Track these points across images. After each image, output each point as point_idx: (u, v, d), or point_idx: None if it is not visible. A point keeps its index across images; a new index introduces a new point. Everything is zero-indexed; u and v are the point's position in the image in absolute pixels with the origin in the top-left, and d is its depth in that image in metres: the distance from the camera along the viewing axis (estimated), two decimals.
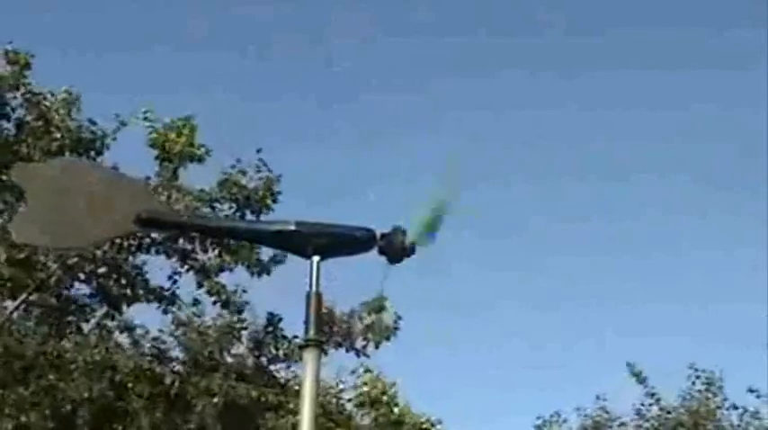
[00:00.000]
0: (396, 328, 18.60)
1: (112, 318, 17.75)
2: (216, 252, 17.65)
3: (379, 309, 17.85)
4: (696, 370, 22.90)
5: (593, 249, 33.04)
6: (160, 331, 18.14)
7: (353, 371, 20.19)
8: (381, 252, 4.96)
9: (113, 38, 28.97)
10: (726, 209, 31.73)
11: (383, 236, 4.96)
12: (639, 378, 22.89)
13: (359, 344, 18.74)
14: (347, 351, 18.43)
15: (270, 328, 18.55)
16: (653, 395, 23.05)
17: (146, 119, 17.54)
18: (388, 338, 18.67)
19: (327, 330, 18.45)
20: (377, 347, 18.70)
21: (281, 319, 18.57)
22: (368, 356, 18.97)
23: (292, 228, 4.93)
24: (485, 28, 34.36)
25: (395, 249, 4.95)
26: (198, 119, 17.60)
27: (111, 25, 28.82)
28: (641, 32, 32.81)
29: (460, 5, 33.48)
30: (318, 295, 4.87)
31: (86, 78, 25.99)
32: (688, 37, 34.11)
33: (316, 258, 4.92)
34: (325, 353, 4.68)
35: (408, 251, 4.95)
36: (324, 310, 4.88)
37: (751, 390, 22.48)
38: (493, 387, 32.28)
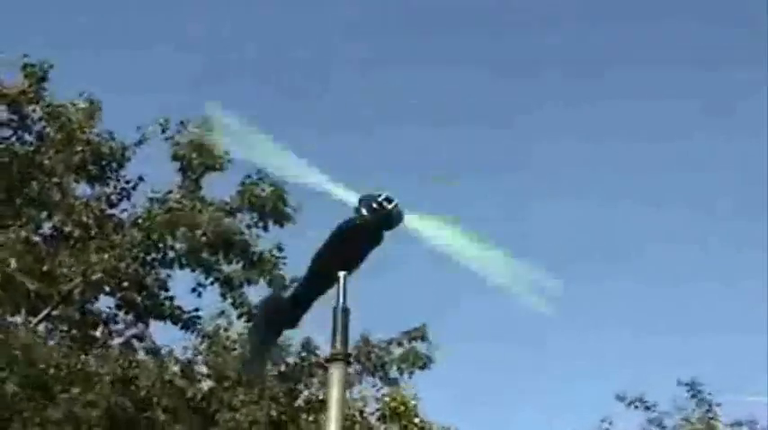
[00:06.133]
0: (429, 359, 18.33)
1: (140, 340, 17.61)
2: (240, 264, 17.60)
3: (421, 337, 17.78)
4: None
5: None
6: (184, 348, 17.94)
7: (374, 385, 20.00)
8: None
9: (113, 38, 28.91)
10: (726, 239, 31.26)
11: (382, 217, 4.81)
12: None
13: (393, 373, 18.72)
14: (380, 379, 18.58)
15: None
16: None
17: (172, 139, 17.45)
18: (422, 368, 18.52)
19: (364, 359, 18.39)
20: (410, 377, 18.62)
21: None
22: (398, 385, 18.84)
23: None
24: (486, 28, 34.15)
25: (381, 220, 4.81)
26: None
27: (111, 25, 28.74)
28: (639, 70, 32.33)
29: (461, 5, 33.12)
30: (346, 310, 4.90)
31: (86, 78, 25.78)
32: (686, 72, 33.62)
33: (342, 273, 4.90)
34: (350, 364, 4.69)
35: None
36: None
37: None
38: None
